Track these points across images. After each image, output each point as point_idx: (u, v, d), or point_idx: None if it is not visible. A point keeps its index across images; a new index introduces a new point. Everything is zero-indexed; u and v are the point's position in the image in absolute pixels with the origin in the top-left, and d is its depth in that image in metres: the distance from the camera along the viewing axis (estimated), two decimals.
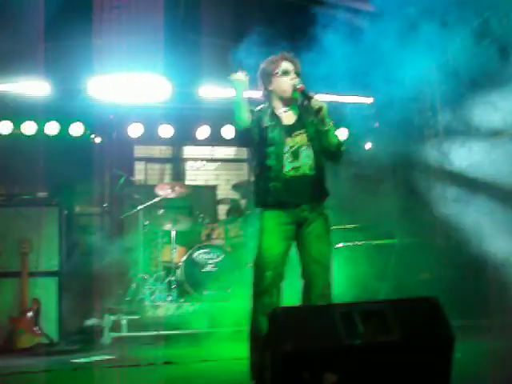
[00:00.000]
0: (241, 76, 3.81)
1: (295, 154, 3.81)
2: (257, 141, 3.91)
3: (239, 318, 5.52)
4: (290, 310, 2.71)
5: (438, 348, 2.77)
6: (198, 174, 9.92)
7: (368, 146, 9.48)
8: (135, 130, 8.64)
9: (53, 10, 7.05)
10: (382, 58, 7.15)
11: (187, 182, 9.54)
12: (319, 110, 3.75)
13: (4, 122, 8.17)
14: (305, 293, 3.76)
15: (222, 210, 9.16)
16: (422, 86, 8.97)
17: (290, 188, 3.77)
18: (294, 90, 3.87)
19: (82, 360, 5.55)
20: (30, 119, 8.25)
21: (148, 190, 8.05)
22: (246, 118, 3.81)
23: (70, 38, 7.59)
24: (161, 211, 7.58)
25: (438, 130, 8.99)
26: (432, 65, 8.54)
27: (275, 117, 3.94)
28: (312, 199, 3.83)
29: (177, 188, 7.61)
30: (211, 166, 10.02)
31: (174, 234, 7.36)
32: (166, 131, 8.73)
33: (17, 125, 8.21)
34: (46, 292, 6.71)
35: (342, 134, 9.19)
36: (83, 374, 4.85)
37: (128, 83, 8.03)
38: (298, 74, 3.94)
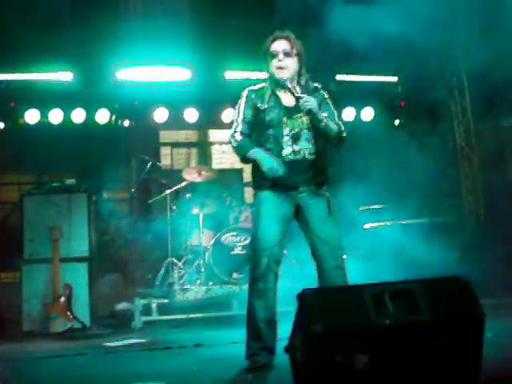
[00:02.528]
0: None
1: (295, 138, 3.74)
2: (254, 122, 3.82)
3: None
4: (319, 291, 2.71)
5: (468, 327, 2.75)
6: (224, 157, 9.94)
7: (391, 125, 9.40)
8: (160, 115, 8.67)
9: None
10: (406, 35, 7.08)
11: (214, 166, 9.56)
12: (308, 112, 3.62)
13: (31, 110, 8.25)
14: (319, 274, 3.72)
15: (249, 192, 9.17)
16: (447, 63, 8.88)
17: (288, 171, 3.66)
18: (286, 74, 3.75)
19: (114, 343, 5.63)
20: (57, 107, 8.32)
21: (175, 175, 8.09)
22: None
23: (95, 25, 7.63)
24: (188, 195, 7.61)
25: (465, 107, 8.90)
26: (458, 40, 8.43)
27: (275, 97, 3.82)
28: (311, 183, 3.76)
29: (203, 172, 7.62)
30: None
31: (201, 217, 7.38)
32: (192, 115, 8.74)
33: (44, 113, 8.29)
34: (77, 277, 6.81)
35: (367, 113, 9.15)
36: (116, 358, 4.92)
37: (153, 68, 8.06)
38: (288, 53, 3.80)
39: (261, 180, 3.78)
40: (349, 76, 9.05)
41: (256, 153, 3.72)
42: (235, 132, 3.83)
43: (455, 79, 8.99)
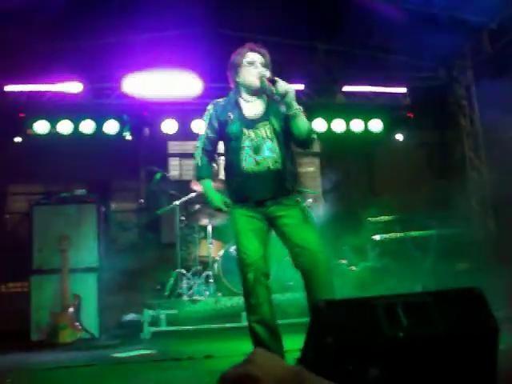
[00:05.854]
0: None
1: (257, 149, 3.73)
2: (220, 135, 3.91)
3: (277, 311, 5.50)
4: (332, 303, 2.70)
5: (482, 340, 2.74)
6: None
7: (400, 136, 9.34)
8: (169, 126, 8.70)
9: (86, 9, 7.12)
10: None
11: (222, 177, 9.56)
12: (285, 94, 3.59)
13: (41, 121, 8.31)
14: (305, 283, 3.67)
15: None
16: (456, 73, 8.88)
17: (250, 184, 3.72)
18: (261, 79, 3.75)
19: (123, 354, 5.61)
20: (66, 118, 8.37)
21: (183, 186, 8.09)
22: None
23: (104, 37, 7.67)
24: (197, 206, 7.61)
25: (474, 117, 8.89)
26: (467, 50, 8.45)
27: (237, 108, 3.87)
28: (277, 194, 3.75)
29: (212, 183, 7.60)
30: None
31: (210, 228, 7.38)
32: (200, 126, 8.75)
33: (53, 124, 8.34)
34: (86, 288, 6.80)
35: (375, 125, 9.15)
36: (125, 369, 4.91)
37: (161, 79, 8.10)
38: (264, 66, 3.85)
39: (230, 194, 3.89)
40: (356, 87, 9.05)
41: (205, 186, 4.01)
42: (197, 147, 4.02)
43: (464, 89, 8.98)
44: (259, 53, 3.89)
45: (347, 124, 9.09)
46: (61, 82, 8.16)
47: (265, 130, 3.77)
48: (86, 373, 4.76)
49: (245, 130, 3.78)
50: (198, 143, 4.02)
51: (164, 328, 6.67)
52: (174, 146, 9.75)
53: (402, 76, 8.85)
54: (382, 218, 7.68)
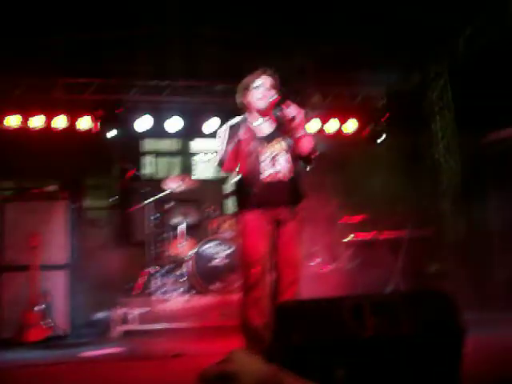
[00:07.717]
0: None
1: (274, 160, 4.11)
2: (236, 152, 4.13)
3: None
4: (299, 303, 2.70)
5: (448, 341, 2.76)
6: (206, 167, 9.91)
7: (373, 138, 9.39)
8: (143, 124, 8.63)
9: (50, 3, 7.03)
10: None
11: (196, 176, 9.53)
12: (293, 118, 4.03)
13: (12, 115, 8.18)
14: (275, 285, 4.07)
15: (229, 203, 9.15)
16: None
17: (268, 192, 4.05)
18: (269, 102, 4.14)
19: (92, 353, 5.56)
20: (39, 113, 8.26)
21: (157, 184, 8.03)
22: None
23: (79, 31, 7.59)
24: (170, 204, 7.58)
25: (447, 121, 8.95)
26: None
27: (250, 130, 4.17)
28: (289, 202, 4.13)
29: (186, 181, 7.58)
30: None
31: (183, 226, 7.36)
32: (175, 124, 8.71)
33: (25, 119, 8.22)
34: (56, 285, 6.73)
35: (350, 126, 9.18)
36: (93, 367, 4.87)
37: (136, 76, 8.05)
38: (274, 89, 4.19)
39: (245, 201, 4.15)
40: (332, 87, 9.06)
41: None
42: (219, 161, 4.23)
43: (438, 94, 9.05)
44: (271, 76, 4.24)
45: (322, 125, 9.10)
46: (34, 76, 8.06)
47: (278, 145, 4.16)
48: (54, 371, 4.70)
49: (262, 147, 4.12)
50: (218, 157, 4.23)
51: (135, 326, 6.62)
52: (148, 144, 9.68)
53: (377, 78, 8.87)
54: (354, 219, 7.72)
